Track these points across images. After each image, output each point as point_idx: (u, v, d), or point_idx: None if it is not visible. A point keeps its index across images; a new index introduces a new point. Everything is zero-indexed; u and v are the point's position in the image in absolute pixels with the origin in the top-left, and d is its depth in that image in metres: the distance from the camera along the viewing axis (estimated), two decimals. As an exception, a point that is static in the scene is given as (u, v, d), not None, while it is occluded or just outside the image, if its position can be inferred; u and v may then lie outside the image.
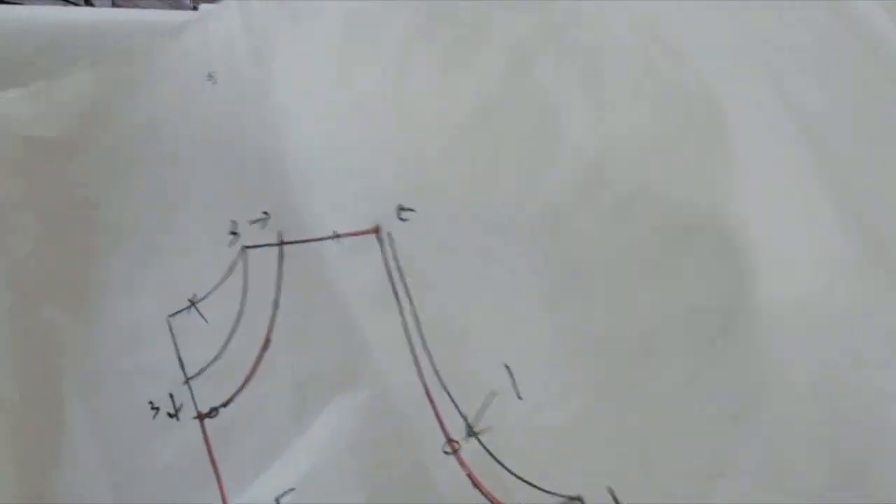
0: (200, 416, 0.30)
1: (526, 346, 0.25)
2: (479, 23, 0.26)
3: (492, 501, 0.25)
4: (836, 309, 0.20)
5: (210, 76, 0.31)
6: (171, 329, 0.31)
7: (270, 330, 0.30)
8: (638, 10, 0.24)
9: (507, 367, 0.26)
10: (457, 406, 0.27)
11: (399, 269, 0.27)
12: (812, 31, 0.23)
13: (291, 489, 0.28)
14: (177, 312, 0.31)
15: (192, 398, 0.30)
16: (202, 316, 0.31)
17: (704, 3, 0.24)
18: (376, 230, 0.28)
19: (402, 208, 0.27)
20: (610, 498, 0.24)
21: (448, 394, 0.27)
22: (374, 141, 0.28)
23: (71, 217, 0.32)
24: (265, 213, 0.30)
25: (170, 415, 0.30)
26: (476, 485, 0.26)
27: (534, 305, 0.25)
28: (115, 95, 0.33)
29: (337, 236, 0.29)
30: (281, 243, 0.30)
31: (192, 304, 0.31)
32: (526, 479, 0.25)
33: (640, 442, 0.24)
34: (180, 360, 0.31)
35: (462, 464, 0.26)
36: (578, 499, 0.24)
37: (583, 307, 0.24)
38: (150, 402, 0.31)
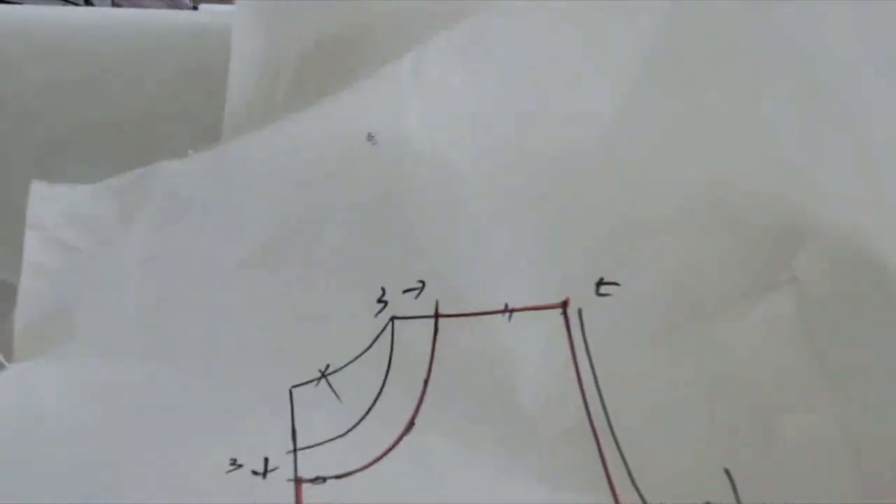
0: (299, 480, 0.25)
1: (753, 461, 0.21)
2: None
3: None
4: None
5: (370, 136, 0.30)
6: (291, 400, 0.27)
7: (416, 412, 0.26)
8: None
9: (728, 473, 0.22)
10: (652, 518, 0.22)
11: (588, 352, 0.24)
12: None
13: None
14: (303, 383, 0.27)
15: (295, 464, 0.25)
16: (333, 390, 0.27)
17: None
18: (564, 305, 0.25)
19: (603, 282, 0.24)
20: None
21: (643, 500, 0.22)
22: (574, 200, 0.25)
23: (209, 272, 0.30)
24: (421, 282, 0.27)
25: (254, 472, 0.25)
26: None
27: (771, 405, 0.21)
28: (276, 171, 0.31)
29: (510, 311, 0.26)
30: (437, 316, 0.27)
31: (324, 375, 0.27)
32: None
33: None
34: (294, 430, 0.26)
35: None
36: None
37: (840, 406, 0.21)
38: (233, 459, 0.26)
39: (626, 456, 0.23)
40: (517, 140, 0.27)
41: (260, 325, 0.28)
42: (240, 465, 0.25)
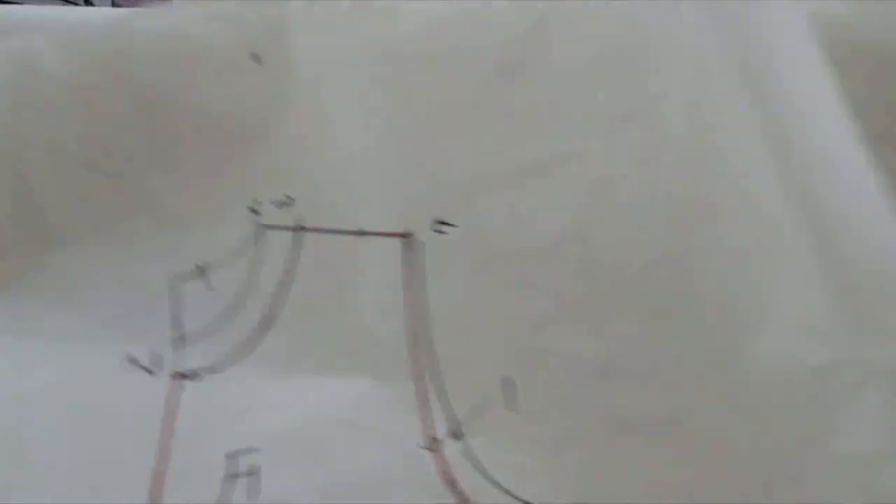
0: (179, 375, 0.30)
1: (532, 370, 0.28)
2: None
3: (463, 501, 0.27)
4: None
5: (254, 55, 0.33)
6: (173, 291, 0.31)
7: (275, 309, 0.31)
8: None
9: (509, 380, 0.28)
10: (446, 406, 0.29)
11: (422, 275, 0.30)
12: None
13: (254, 449, 0.28)
14: (182, 276, 0.31)
15: (176, 358, 0.30)
16: (208, 284, 0.31)
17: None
18: (407, 235, 0.30)
19: (441, 222, 0.30)
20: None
21: (441, 395, 0.29)
22: (427, 149, 0.30)
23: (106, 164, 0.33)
24: (289, 197, 0.32)
25: (146, 369, 0.30)
26: (450, 483, 0.28)
27: (551, 331, 0.28)
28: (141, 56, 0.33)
29: (363, 233, 0.31)
30: (301, 228, 0.31)
31: (201, 270, 0.31)
32: (499, 483, 0.27)
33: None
34: (175, 320, 0.31)
35: (440, 460, 0.28)
36: (551, 510, 0.27)
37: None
38: (128, 353, 0.30)
39: (433, 356, 0.29)
40: (395, 84, 0.31)
41: (142, 227, 0.32)
42: (134, 361, 0.30)
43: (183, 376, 0.30)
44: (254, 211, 0.32)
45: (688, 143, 0.28)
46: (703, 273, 0.27)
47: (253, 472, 0.27)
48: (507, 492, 0.27)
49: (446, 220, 0.30)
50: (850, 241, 0.25)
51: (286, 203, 0.32)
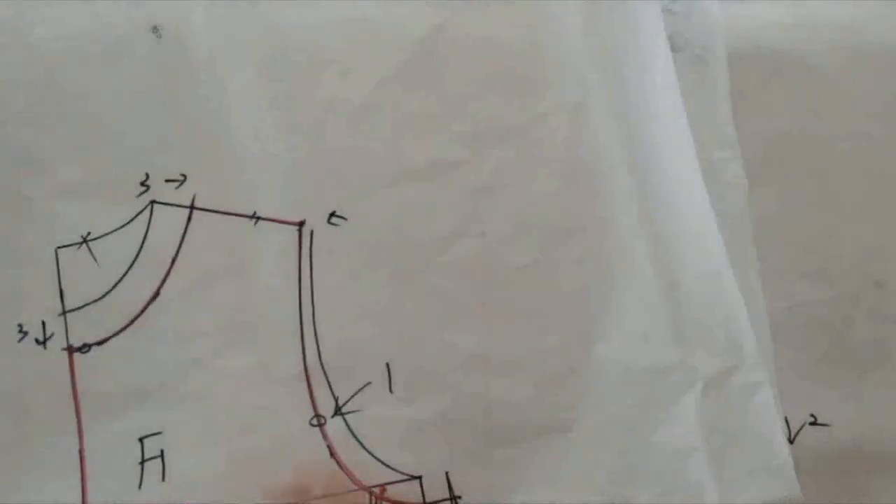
0: (70, 349, 0.30)
1: (411, 357, 0.31)
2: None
3: (346, 472, 0.30)
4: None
5: (155, 29, 0.32)
6: (57, 259, 0.31)
7: (162, 284, 0.31)
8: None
9: (388, 366, 0.31)
10: (331, 387, 0.31)
11: (311, 263, 0.31)
12: None
13: (158, 433, 0.30)
14: (67, 245, 0.31)
15: (66, 330, 0.31)
16: (93, 255, 0.31)
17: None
18: (300, 224, 0.32)
19: (335, 214, 0.31)
20: (445, 481, 0.30)
21: (326, 377, 0.31)
22: (322, 144, 0.32)
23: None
24: (183, 175, 0.32)
25: (37, 341, 0.30)
26: (333, 455, 0.31)
27: (431, 321, 0.31)
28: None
29: (257, 217, 0.32)
30: (193, 207, 0.32)
31: (85, 240, 0.31)
32: (377, 456, 0.31)
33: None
34: (61, 291, 0.31)
35: (325, 436, 0.31)
36: (418, 478, 0.30)
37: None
38: (20, 325, 0.30)
39: (320, 340, 0.31)
40: (291, 79, 0.32)
41: (27, 192, 0.31)
42: (26, 333, 0.30)
43: (74, 349, 0.30)
44: (144, 185, 0.32)
45: (563, 165, 0.31)
46: (567, 282, 0.31)
47: (159, 456, 0.29)
48: (382, 462, 0.30)
49: (339, 213, 0.32)
50: (684, 270, 0.30)
51: (179, 180, 0.32)
